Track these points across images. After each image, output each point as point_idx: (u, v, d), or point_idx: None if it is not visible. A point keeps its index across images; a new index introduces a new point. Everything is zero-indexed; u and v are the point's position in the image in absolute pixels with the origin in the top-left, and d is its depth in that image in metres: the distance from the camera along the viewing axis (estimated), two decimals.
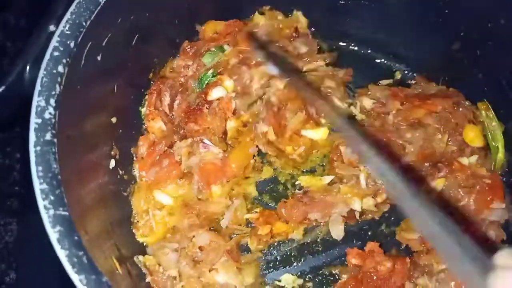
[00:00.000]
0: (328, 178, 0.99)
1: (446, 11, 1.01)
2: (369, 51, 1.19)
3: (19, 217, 1.13)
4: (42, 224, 0.64)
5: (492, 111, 1.02)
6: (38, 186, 0.63)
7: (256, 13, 1.11)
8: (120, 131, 0.95)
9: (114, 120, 0.92)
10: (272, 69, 0.98)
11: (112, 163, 0.92)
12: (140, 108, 1.02)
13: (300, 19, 1.13)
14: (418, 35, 1.10)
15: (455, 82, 1.08)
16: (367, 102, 1.07)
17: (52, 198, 0.63)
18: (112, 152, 0.93)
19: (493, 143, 1.01)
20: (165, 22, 0.98)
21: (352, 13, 1.13)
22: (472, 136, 1.00)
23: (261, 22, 1.08)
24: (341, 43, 1.19)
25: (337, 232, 0.95)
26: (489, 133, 1.02)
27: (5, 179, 1.17)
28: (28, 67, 0.80)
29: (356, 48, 1.19)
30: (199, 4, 1.02)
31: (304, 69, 1.08)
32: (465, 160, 1.01)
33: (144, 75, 1.01)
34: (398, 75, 1.16)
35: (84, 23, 0.76)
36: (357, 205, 0.93)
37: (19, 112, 0.81)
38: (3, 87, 0.77)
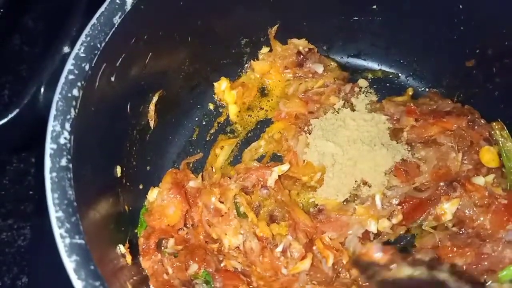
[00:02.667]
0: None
1: (462, 28, 1.00)
2: (381, 67, 1.17)
3: (33, 221, 1.13)
4: None
5: (507, 131, 1.01)
6: (54, 214, 0.62)
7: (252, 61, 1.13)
8: (133, 154, 0.94)
9: (126, 142, 0.91)
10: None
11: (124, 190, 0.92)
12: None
13: (296, 42, 1.13)
14: (432, 51, 1.09)
15: (470, 100, 1.07)
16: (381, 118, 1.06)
17: (68, 226, 0.62)
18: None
19: (508, 164, 1.00)
20: (178, 39, 0.97)
21: (365, 30, 1.12)
22: (489, 158, 0.99)
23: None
24: (353, 59, 1.18)
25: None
26: (504, 153, 1.01)
27: (20, 183, 1.18)
28: (42, 89, 0.79)
29: (368, 64, 1.18)
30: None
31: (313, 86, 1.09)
32: (480, 180, 0.99)
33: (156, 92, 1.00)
34: (410, 92, 1.15)
35: (98, 45, 0.75)
36: (372, 227, 0.92)
37: (33, 135, 0.80)
38: (17, 110, 0.76)
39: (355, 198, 0.98)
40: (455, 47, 1.04)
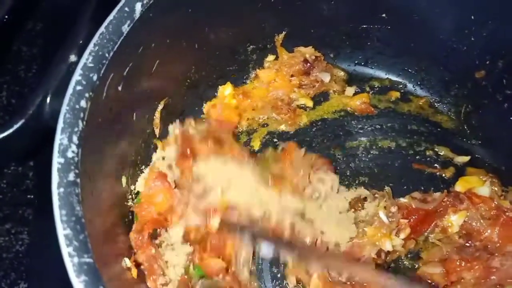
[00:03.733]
0: None
1: (472, 38, 0.99)
2: (388, 76, 1.16)
3: (31, 226, 1.11)
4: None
5: None
6: (62, 231, 0.60)
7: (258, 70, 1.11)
8: (138, 163, 0.92)
9: (132, 151, 0.89)
10: (267, 251, 0.87)
11: (130, 202, 0.90)
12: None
13: (302, 50, 1.11)
14: (441, 61, 1.08)
15: (478, 111, 1.06)
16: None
17: (76, 244, 0.60)
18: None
19: None
20: (185, 47, 0.95)
21: (372, 38, 1.11)
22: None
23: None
24: (360, 68, 1.17)
25: None
26: None
27: (18, 186, 1.15)
28: (48, 99, 0.77)
29: (375, 73, 1.17)
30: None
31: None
32: (485, 190, 0.99)
33: (162, 99, 0.98)
34: (419, 101, 1.14)
35: (107, 55, 0.73)
36: (388, 246, 0.91)
37: (38, 145, 0.78)
38: (22, 121, 0.74)
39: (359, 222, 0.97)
40: (464, 57, 1.03)
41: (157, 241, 0.88)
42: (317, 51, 1.12)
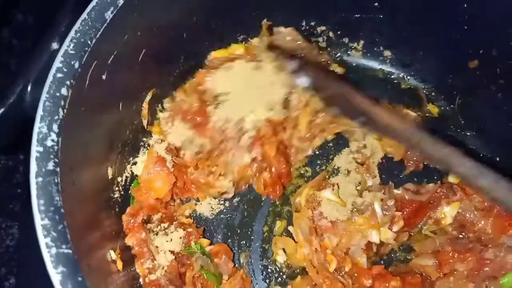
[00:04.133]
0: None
1: (466, 27, 0.97)
2: (380, 67, 1.14)
3: (21, 220, 1.11)
4: None
5: None
6: (40, 221, 0.59)
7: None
8: (126, 154, 0.91)
9: (119, 143, 0.87)
10: (304, 81, 0.90)
11: (117, 193, 0.88)
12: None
13: (282, 31, 1.07)
14: (434, 50, 1.06)
15: (472, 101, 1.04)
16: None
17: (54, 234, 0.59)
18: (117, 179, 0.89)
19: None
20: (173, 35, 0.93)
21: (365, 27, 1.09)
22: None
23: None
24: (352, 58, 1.15)
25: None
26: None
27: (8, 181, 1.14)
28: (29, 88, 0.75)
29: (369, 63, 1.15)
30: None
31: None
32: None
33: (150, 90, 0.97)
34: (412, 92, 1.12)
35: (89, 42, 0.71)
36: (374, 237, 0.89)
37: (21, 135, 0.77)
38: (3, 109, 0.72)
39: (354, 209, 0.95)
40: (458, 46, 1.00)
41: (148, 226, 0.87)
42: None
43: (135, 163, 0.95)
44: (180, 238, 0.88)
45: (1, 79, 1.18)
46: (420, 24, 1.03)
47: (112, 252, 0.79)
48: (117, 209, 0.87)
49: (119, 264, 0.80)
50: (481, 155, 1.04)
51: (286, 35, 1.05)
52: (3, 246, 1.09)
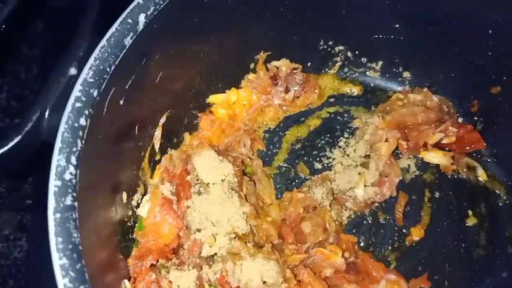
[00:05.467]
0: None
1: (489, 53, 0.95)
2: (398, 88, 1.13)
3: (30, 232, 1.09)
4: None
5: None
6: (58, 261, 0.57)
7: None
8: (139, 176, 0.89)
9: (133, 169, 0.85)
10: None
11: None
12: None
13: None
14: (455, 75, 1.04)
15: (494, 127, 1.03)
16: None
17: (72, 275, 0.57)
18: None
19: None
20: (190, 56, 0.92)
21: (385, 48, 1.07)
22: None
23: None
24: (371, 79, 1.13)
25: None
26: None
27: (16, 191, 1.14)
28: (47, 114, 0.73)
29: (385, 84, 1.13)
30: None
31: None
32: None
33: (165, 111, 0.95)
34: None
35: (108, 69, 0.69)
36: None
37: (34, 161, 0.75)
38: (20, 136, 0.70)
39: None
40: (480, 72, 0.99)
41: (158, 263, 0.84)
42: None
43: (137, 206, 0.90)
44: (195, 281, 0.82)
45: (20, 92, 1.18)
46: (442, 48, 1.01)
47: (126, 281, 0.77)
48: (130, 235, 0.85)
49: None
50: (501, 182, 1.02)
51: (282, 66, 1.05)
52: (11, 258, 1.08)
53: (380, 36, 1.05)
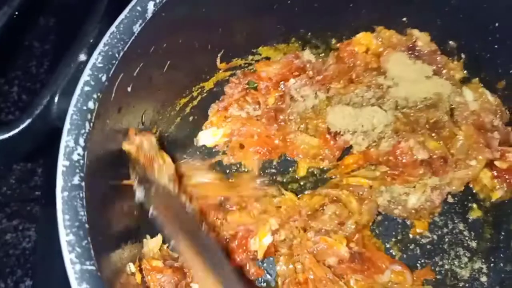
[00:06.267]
0: None
1: (496, 46, 0.95)
2: None
3: (38, 223, 1.11)
4: None
5: None
6: (65, 237, 0.58)
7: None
8: None
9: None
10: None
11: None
12: None
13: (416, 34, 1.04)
14: None
15: None
16: None
17: (78, 250, 0.59)
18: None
19: None
20: (197, 47, 0.93)
21: None
22: None
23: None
24: None
25: None
26: None
27: (26, 183, 1.16)
28: (56, 99, 0.75)
29: None
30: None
31: None
32: None
33: (175, 99, 0.97)
34: None
35: (117, 55, 0.71)
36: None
37: (44, 145, 0.77)
38: (30, 119, 0.72)
39: None
40: (487, 65, 0.99)
41: None
42: None
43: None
44: None
45: (31, 86, 1.20)
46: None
47: (131, 264, 0.78)
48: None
49: (138, 277, 0.80)
50: None
51: None
52: (20, 248, 1.10)
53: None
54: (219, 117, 1.04)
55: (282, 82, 1.03)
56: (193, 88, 1.01)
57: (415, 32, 1.03)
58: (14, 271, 1.08)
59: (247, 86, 1.02)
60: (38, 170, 1.17)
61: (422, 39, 1.01)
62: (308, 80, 1.03)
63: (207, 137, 1.03)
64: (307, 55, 1.06)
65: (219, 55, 0.99)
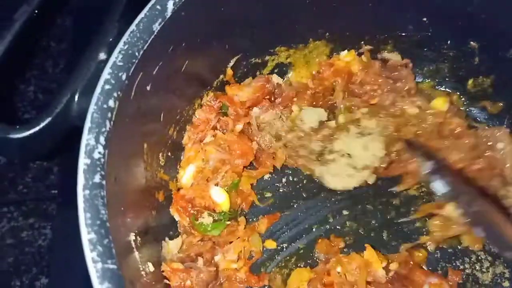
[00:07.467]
0: None
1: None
2: None
3: (54, 221, 1.11)
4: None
5: None
6: (86, 236, 0.58)
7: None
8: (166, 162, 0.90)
9: (160, 155, 0.87)
10: (439, 187, 0.81)
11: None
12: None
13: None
14: None
15: None
16: None
17: (100, 249, 0.59)
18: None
19: None
20: (216, 46, 0.93)
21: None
22: None
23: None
24: None
25: None
26: None
27: (42, 181, 1.16)
28: (76, 98, 0.75)
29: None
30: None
31: None
32: None
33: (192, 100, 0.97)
34: None
35: (137, 54, 0.71)
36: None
37: (63, 144, 0.77)
38: (49, 118, 0.72)
39: None
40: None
41: None
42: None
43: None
44: None
45: (47, 86, 1.21)
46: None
47: (150, 264, 0.78)
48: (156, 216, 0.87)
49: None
50: None
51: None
52: (35, 246, 1.10)
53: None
54: (195, 150, 0.96)
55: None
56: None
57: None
58: (30, 269, 1.08)
59: (220, 111, 0.98)
60: (54, 169, 1.17)
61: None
62: (270, 104, 1.02)
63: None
64: (276, 78, 1.06)
65: (236, 57, 0.99)
